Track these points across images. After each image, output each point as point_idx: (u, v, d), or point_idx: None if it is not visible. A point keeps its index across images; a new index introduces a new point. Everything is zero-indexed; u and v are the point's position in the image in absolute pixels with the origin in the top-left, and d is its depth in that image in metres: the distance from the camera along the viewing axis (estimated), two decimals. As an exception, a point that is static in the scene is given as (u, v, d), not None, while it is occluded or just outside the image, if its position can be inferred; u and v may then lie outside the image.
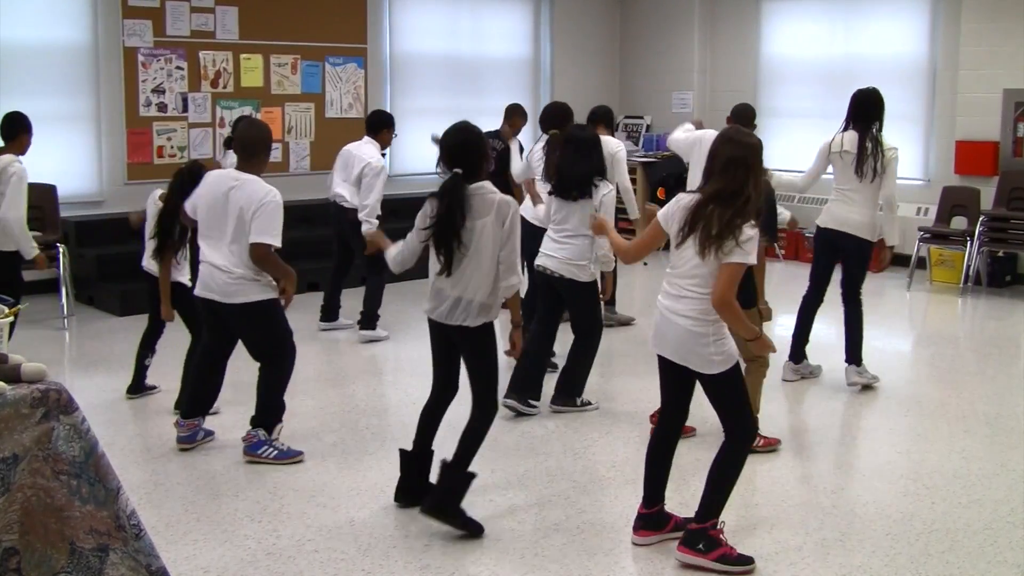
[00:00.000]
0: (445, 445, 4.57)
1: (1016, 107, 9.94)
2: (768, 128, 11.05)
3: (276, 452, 5.22)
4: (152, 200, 6.23)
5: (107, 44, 9.49)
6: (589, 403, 6.11)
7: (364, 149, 7.79)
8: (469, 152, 4.41)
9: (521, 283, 4.45)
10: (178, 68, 9.89)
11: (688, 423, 4.53)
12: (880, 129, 6.32)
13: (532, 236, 7.26)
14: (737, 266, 3.91)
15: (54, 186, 9.08)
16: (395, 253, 4.62)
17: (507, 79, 12.53)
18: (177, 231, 5.82)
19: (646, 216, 5.07)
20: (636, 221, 7.67)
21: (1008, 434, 5.77)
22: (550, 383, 6.13)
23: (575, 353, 6.08)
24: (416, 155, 10.68)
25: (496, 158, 8.11)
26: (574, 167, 5.87)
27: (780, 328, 7.36)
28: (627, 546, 4.32)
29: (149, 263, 6.03)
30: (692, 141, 7.45)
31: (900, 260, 8.45)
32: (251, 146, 5.17)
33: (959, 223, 10.05)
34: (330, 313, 8.15)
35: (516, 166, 7.97)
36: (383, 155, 7.84)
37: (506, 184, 8.36)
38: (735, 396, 4.12)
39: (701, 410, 4.65)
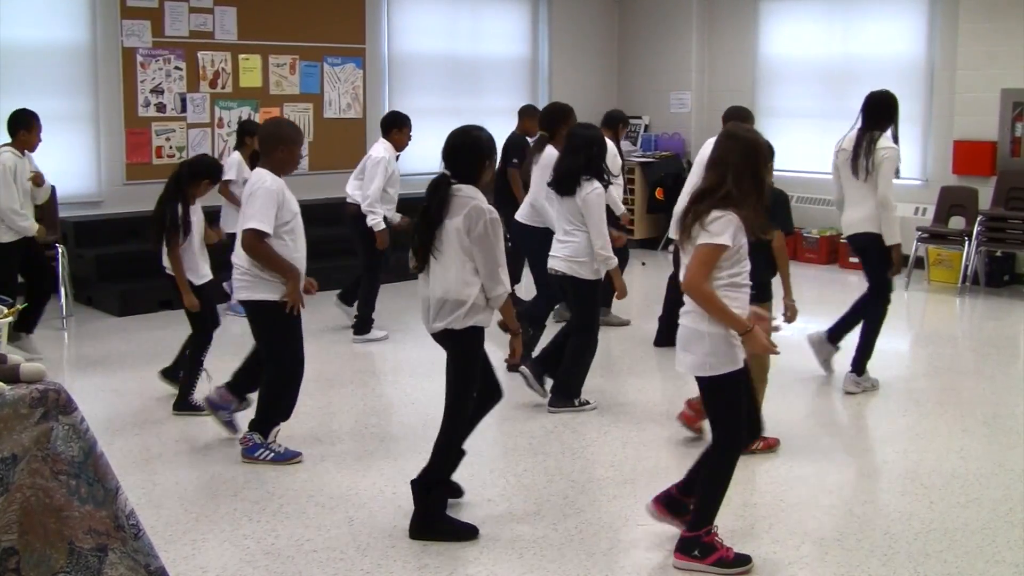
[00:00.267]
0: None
1: (1014, 107, 9.95)
2: (766, 128, 11.02)
3: (272, 455, 5.21)
4: None
5: (106, 44, 9.49)
6: (587, 403, 6.11)
7: (374, 148, 7.87)
8: (458, 155, 4.41)
9: (507, 292, 4.35)
10: (177, 68, 9.90)
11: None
12: (893, 131, 6.33)
13: (522, 236, 7.29)
14: (703, 248, 3.84)
15: (53, 186, 9.03)
16: None
17: (505, 79, 12.54)
18: (168, 219, 5.82)
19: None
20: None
21: (1006, 434, 5.78)
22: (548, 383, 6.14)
23: (572, 353, 6.08)
24: (416, 155, 10.68)
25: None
26: (561, 164, 6.03)
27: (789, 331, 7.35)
28: (625, 545, 4.32)
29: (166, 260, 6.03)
30: None
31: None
32: (263, 143, 5.22)
33: (957, 223, 10.06)
34: (350, 299, 8.20)
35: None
36: (397, 156, 7.84)
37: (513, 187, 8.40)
38: (725, 404, 4.02)
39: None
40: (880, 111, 6.35)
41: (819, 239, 11.19)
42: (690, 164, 12.37)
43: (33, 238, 7.22)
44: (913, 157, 10.62)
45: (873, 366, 6.57)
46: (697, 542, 4.05)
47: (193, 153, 9.93)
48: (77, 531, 3.09)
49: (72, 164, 9.42)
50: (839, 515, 4.56)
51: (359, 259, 7.87)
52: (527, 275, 8.01)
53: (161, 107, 9.85)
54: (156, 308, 8.61)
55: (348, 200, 7.84)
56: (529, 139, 8.61)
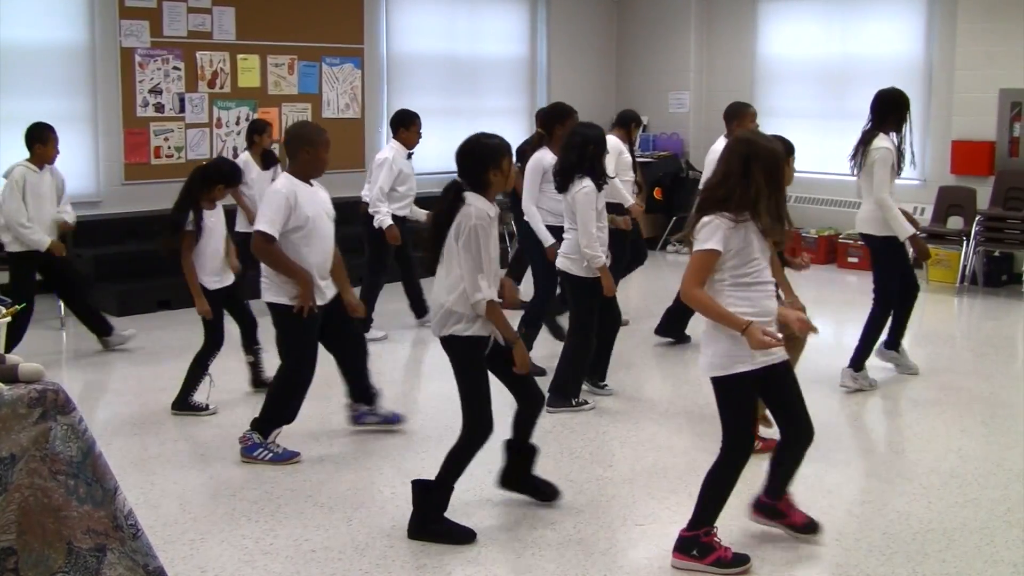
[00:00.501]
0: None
1: (1012, 107, 9.96)
2: (765, 128, 11.00)
3: (271, 455, 5.22)
4: None
5: (104, 44, 9.49)
6: (585, 402, 6.11)
7: (383, 149, 7.97)
8: (464, 162, 4.40)
9: (483, 300, 4.27)
10: (175, 68, 9.90)
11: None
12: (898, 129, 6.38)
13: (525, 236, 7.34)
14: (693, 254, 3.94)
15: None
16: None
17: (504, 79, 12.55)
18: (180, 224, 5.88)
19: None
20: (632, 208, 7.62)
21: (1005, 434, 5.78)
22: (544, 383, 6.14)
23: (568, 352, 6.09)
24: (416, 155, 10.68)
25: None
26: (559, 161, 6.11)
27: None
28: (623, 546, 4.32)
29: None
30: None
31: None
32: (288, 146, 5.29)
33: (955, 223, 10.06)
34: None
35: None
36: (409, 154, 7.86)
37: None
38: (733, 406, 4.04)
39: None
40: (883, 109, 6.39)
41: (817, 239, 11.19)
42: (688, 164, 12.42)
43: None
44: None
45: (871, 365, 6.58)
46: (696, 542, 4.05)
47: (191, 153, 9.98)
48: (75, 531, 3.09)
49: (70, 164, 9.34)
50: (837, 515, 4.56)
51: (366, 258, 7.92)
52: (527, 277, 8.02)
53: (159, 107, 9.85)
54: (154, 308, 8.62)
55: (362, 200, 7.99)
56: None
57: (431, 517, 4.35)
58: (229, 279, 6.12)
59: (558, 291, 6.78)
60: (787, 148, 4.58)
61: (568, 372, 6.08)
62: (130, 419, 6.01)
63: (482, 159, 4.34)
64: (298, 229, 5.09)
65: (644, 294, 8.84)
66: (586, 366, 6.16)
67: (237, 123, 10.29)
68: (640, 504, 4.73)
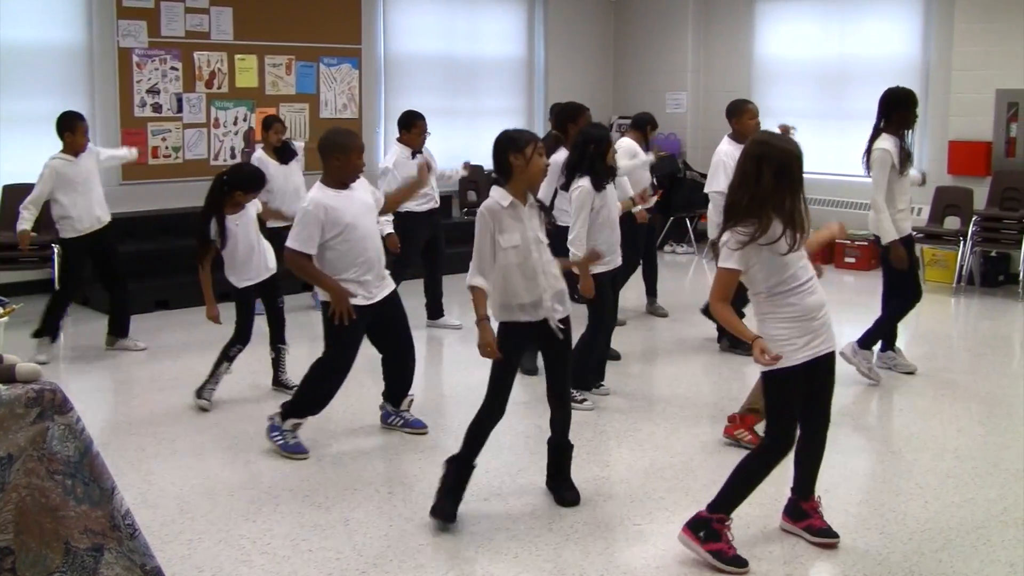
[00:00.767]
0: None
1: (1009, 107, 9.97)
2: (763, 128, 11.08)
3: (283, 443, 5.31)
4: None
5: (102, 45, 9.49)
6: (584, 401, 6.12)
7: (386, 156, 8.10)
8: (493, 153, 4.54)
9: (470, 284, 4.51)
10: (173, 69, 9.89)
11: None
12: (896, 127, 6.41)
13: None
14: (717, 270, 4.03)
15: (48, 187, 9.08)
16: None
17: (502, 79, 12.56)
18: (211, 232, 5.97)
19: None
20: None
21: (1001, 434, 5.79)
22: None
23: (578, 344, 6.18)
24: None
25: None
26: (565, 160, 6.21)
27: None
28: (621, 545, 4.33)
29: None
30: None
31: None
32: (320, 153, 5.30)
33: (952, 223, 10.07)
34: (433, 311, 8.24)
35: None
36: (414, 153, 7.84)
37: None
38: (772, 402, 4.13)
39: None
40: (887, 108, 6.45)
41: (815, 239, 11.19)
42: (686, 164, 12.41)
43: (103, 234, 7.40)
44: (908, 157, 10.65)
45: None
46: (707, 525, 4.10)
47: (189, 154, 9.99)
48: (73, 531, 3.09)
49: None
50: (834, 515, 4.56)
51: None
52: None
53: (157, 107, 9.85)
54: (152, 308, 8.61)
55: None
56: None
57: (442, 485, 4.50)
58: (262, 276, 6.13)
59: None
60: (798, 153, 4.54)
61: (576, 363, 6.13)
62: (128, 419, 6.02)
63: (504, 146, 4.48)
64: (336, 237, 5.17)
65: (641, 294, 8.85)
66: (586, 363, 6.17)
67: (235, 123, 10.29)
68: (637, 504, 4.74)
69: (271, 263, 6.19)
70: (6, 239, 8.75)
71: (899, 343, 6.91)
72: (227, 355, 6.16)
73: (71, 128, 7.23)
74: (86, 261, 7.44)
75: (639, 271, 8.53)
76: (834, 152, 10.67)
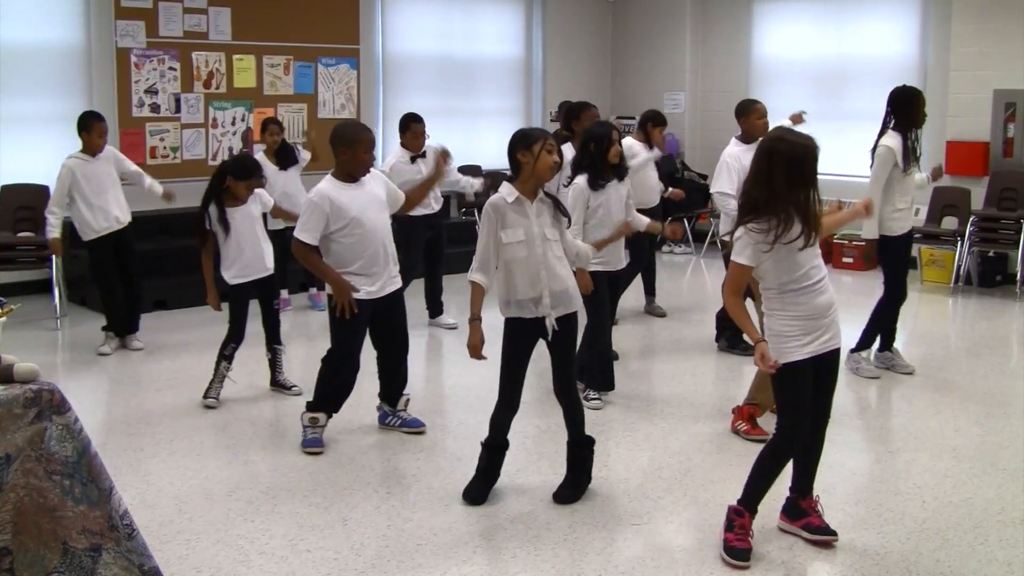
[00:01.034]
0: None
1: (1006, 108, 9.98)
2: (760, 128, 11.08)
3: (303, 437, 5.44)
4: None
5: (100, 45, 9.49)
6: (595, 399, 6.14)
7: (386, 160, 8.14)
8: (507, 154, 4.61)
9: (470, 280, 4.60)
10: (171, 69, 9.89)
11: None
12: (903, 126, 6.45)
13: None
14: (731, 264, 4.06)
15: (47, 187, 9.05)
16: None
17: (499, 80, 12.56)
18: (207, 221, 6.07)
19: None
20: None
21: (998, 433, 5.79)
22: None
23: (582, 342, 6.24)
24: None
25: None
26: (572, 160, 6.22)
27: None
28: (619, 545, 4.33)
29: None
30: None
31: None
32: (330, 143, 5.32)
33: (950, 223, 10.08)
34: (433, 310, 8.32)
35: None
36: (413, 157, 7.85)
37: None
38: (780, 396, 4.17)
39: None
40: (892, 107, 6.52)
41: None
42: (684, 164, 12.42)
43: (123, 233, 7.44)
44: (906, 157, 10.66)
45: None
46: (731, 515, 4.19)
47: (187, 154, 10.01)
48: (71, 531, 3.09)
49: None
50: (832, 514, 4.56)
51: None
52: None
53: (155, 107, 9.85)
54: (151, 308, 8.60)
55: None
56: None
57: (477, 469, 4.75)
58: (255, 275, 6.11)
59: None
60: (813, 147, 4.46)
61: (582, 358, 6.16)
62: (126, 419, 6.02)
63: (514, 143, 4.56)
64: (341, 230, 5.18)
65: (639, 294, 8.85)
66: (595, 357, 6.18)
67: (233, 123, 10.29)
68: (636, 504, 4.74)
69: (269, 263, 6.18)
70: (5, 239, 8.77)
71: (898, 343, 6.91)
72: (223, 354, 6.18)
73: (87, 128, 7.30)
74: (109, 257, 7.45)
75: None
76: (832, 152, 10.62)
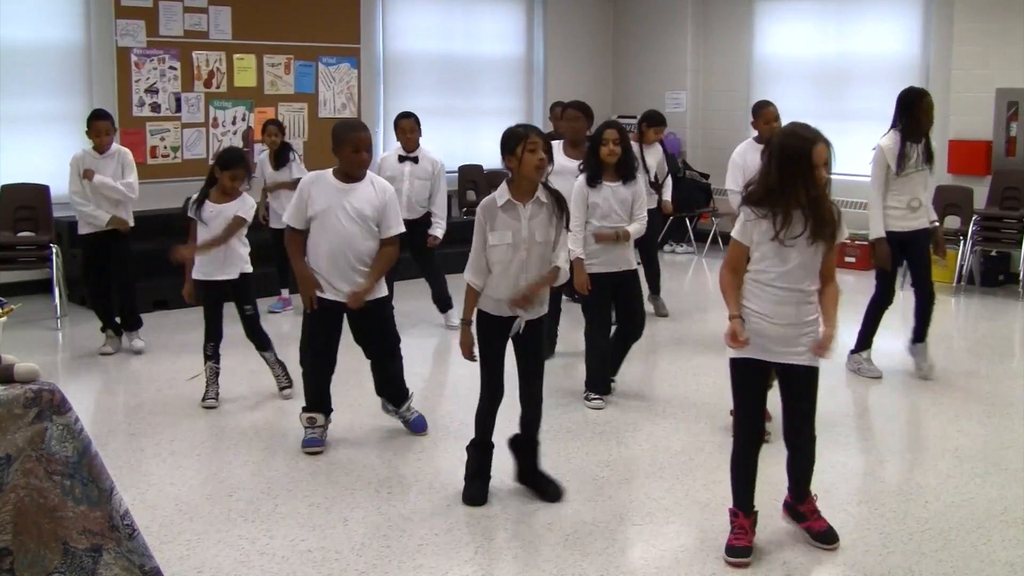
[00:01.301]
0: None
1: (1009, 106, 9.97)
2: (761, 128, 11.07)
3: (303, 438, 5.42)
4: None
5: (100, 44, 9.48)
6: (589, 399, 6.13)
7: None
8: None
9: (467, 280, 4.65)
10: (171, 68, 9.88)
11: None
12: (901, 127, 6.45)
13: None
14: (731, 241, 4.11)
15: (47, 186, 9.08)
16: None
17: (500, 79, 12.55)
18: (190, 209, 6.12)
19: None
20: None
21: (1001, 433, 5.78)
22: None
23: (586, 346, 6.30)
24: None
25: None
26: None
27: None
28: (621, 545, 4.32)
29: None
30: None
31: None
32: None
33: (952, 222, 10.06)
34: (441, 305, 8.28)
35: None
36: (402, 157, 7.79)
37: None
38: (733, 393, 4.18)
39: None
40: (896, 108, 6.50)
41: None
42: (686, 164, 12.41)
43: (116, 232, 7.32)
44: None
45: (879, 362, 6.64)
46: (730, 515, 4.21)
47: (187, 153, 10.01)
48: (71, 531, 3.09)
49: (66, 164, 9.31)
50: (834, 514, 4.55)
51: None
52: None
53: (156, 107, 9.84)
54: (150, 308, 8.60)
55: None
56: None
57: (466, 472, 4.76)
58: (213, 276, 6.05)
59: None
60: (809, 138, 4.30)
61: (595, 370, 6.20)
62: (126, 419, 6.01)
63: (501, 150, 4.55)
64: (313, 220, 5.18)
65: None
66: (597, 360, 6.18)
67: (233, 123, 10.29)
68: (637, 504, 4.73)
69: (231, 268, 6.06)
70: (5, 239, 8.77)
71: (900, 342, 6.90)
72: (205, 354, 6.17)
73: (88, 126, 7.28)
74: (94, 255, 7.38)
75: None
76: (833, 151, 10.64)
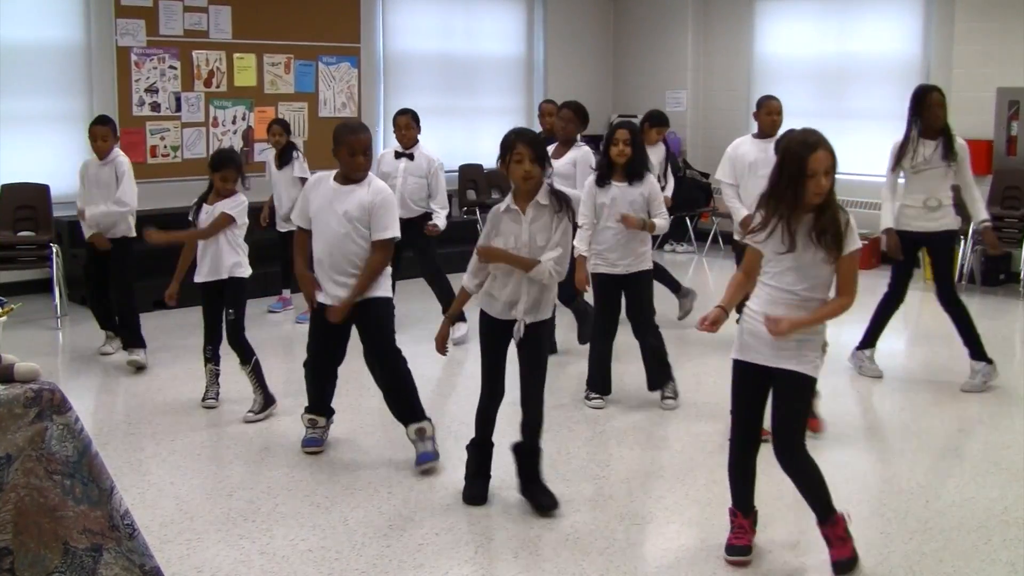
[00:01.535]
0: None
1: (1010, 106, 9.96)
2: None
3: (303, 438, 5.44)
4: None
5: (100, 44, 9.48)
6: (588, 398, 6.13)
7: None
8: None
9: (463, 284, 4.70)
10: (171, 68, 9.88)
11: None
12: (915, 125, 6.54)
13: None
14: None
15: (47, 186, 9.08)
16: None
17: (501, 78, 12.55)
18: (191, 213, 6.11)
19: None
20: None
21: (1002, 432, 5.78)
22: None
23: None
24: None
25: None
26: None
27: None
28: (621, 545, 4.32)
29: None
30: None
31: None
32: None
33: (952, 222, 10.06)
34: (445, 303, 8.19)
35: None
36: (399, 154, 7.69)
37: None
38: (732, 392, 4.16)
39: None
40: (910, 105, 6.57)
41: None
42: (686, 163, 12.40)
43: (115, 242, 7.14)
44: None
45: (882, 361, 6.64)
46: (730, 515, 4.19)
47: (187, 153, 10.00)
48: (72, 531, 3.08)
49: (66, 164, 9.37)
50: (835, 514, 4.56)
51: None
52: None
53: (156, 106, 9.84)
54: (150, 308, 8.59)
55: None
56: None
57: (466, 472, 4.79)
58: (205, 278, 5.98)
59: None
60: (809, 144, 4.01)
61: (595, 371, 6.21)
62: (126, 419, 6.01)
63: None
64: (312, 222, 5.15)
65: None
66: (596, 360, 6.18)
67: (233, 122, 10.29)
68: (637, 504, 4.73)
69: (220, 269, 5.96)
70: (5, 239, 8.77)
71: (901, 341, 6.91)
72: (205, 357, 6.14)
73: (88, 131, 7.18)
74: (93, 261, 7.27)
75: None
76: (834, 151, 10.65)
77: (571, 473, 5.08)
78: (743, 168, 6.81)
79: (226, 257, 5.98)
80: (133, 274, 7.34)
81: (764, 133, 6.81)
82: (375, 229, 5.04)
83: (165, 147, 9.91)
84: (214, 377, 6.15)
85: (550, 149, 6.39)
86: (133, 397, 6.45)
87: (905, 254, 6.60)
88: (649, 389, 6.21)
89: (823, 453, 5.42)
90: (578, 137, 7.09)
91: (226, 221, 5.96)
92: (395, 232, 5.10)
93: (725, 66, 12.54)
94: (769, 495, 4.79)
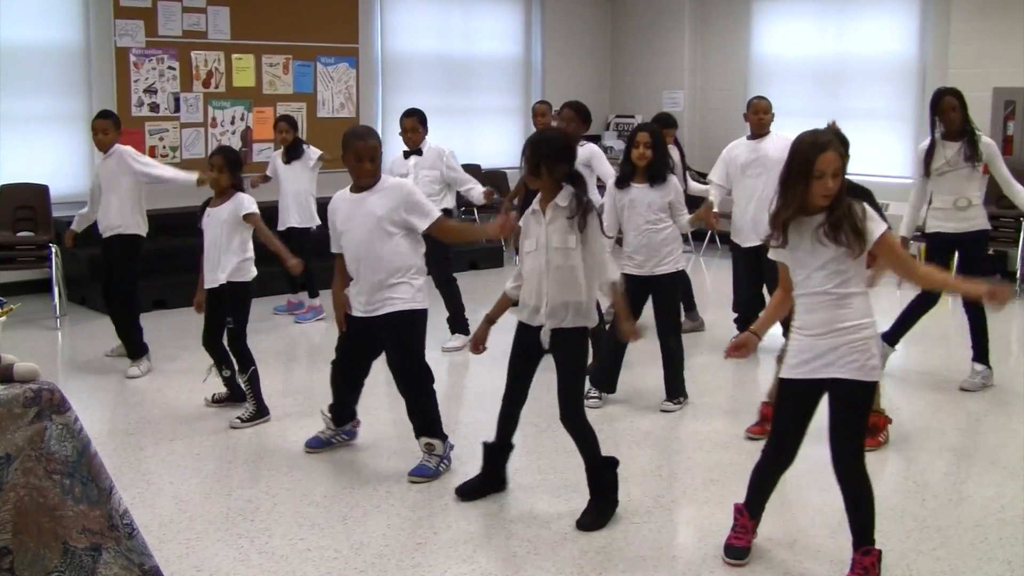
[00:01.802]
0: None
1: (1006, 105, 9.98)
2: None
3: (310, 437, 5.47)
4: None
5: (99, 44, 9.49)
6: (596, 398, 6.15)
7: None
8: None
9: (505, 288, 4.71)
10: (170, 68, 9.89)
11: None
12: (936, 129, 6.50)
13: None
14: None
15: (46, 186, 9.10)
16: None
17: (499, 78, 12.56)
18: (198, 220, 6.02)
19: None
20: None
21: (999, 431, 5.80)
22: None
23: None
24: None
25: None
26: None
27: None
28: (620, 544, 4.33)
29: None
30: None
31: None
32: None
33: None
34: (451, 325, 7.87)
35: None
36: (406, 153, 7.64)
37: None
38: (775, 409, 4.15)
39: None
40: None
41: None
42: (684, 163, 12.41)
43: (119, 239, 6.94)
44: (905, 155, 10.64)
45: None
46: (736, 512, 4.19)
47: (186, 153, 10.01)
48: (71, 530, 3.09)
49: (65, 164, 9.43)
50: (831, 513, 4.56)
51: None
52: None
53: (154, 107, 9.85)
54: (150, 308, 8.61)
55: None
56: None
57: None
58: (209, 283, 5.88)
59: None
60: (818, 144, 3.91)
61: (600, 368, 6.23)
62: (126, 418, 6.02)
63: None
64: (341, 238, 5.05)
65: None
66: (606, 356, 6.21)
67: (232, 123, 10.30)
68: (636, 503, 4.74)
69: (220, 275, 5.83)
70: (5, 239, 8.78)
71: (900, 342, 6.91)
72: (217, 370, 6.10)
73: (91, 127, 7.11)
74: (103, 263, 7.13)
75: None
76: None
77: (570, 472, 5.08)
78: (735, 171, 6.87)
79: (226, 261, 5.84)
80: (136, 273, 7.17)
81: (754, 133, 6.87)
82: (420, 221, 4.94)
83: (164, 147, 9.92)
84: (218, 372, 6.07)
85: None
86: (132, 396, 6.46)
87: (938, 255, 6.62)
88: (667, 399, 6.20)
89: (822, 452, 5.44)
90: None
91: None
92: (437, 211, 5.03)
93: (722, 66, 12.56)
94: (775, 497, 4.80)
